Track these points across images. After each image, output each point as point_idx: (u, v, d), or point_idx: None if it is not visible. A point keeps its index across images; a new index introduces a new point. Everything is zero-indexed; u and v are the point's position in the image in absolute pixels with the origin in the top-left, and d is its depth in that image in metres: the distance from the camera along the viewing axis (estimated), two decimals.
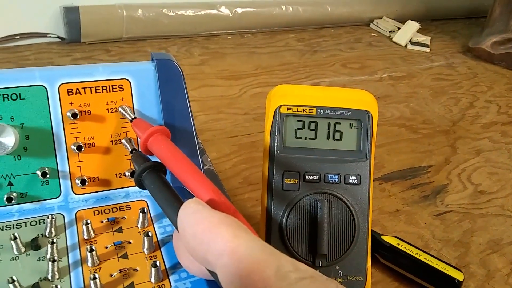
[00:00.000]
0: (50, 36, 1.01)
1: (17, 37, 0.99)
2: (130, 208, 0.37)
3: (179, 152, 0.25)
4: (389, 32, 1.27)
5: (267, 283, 0.22)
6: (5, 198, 0.35)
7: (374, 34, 1.29)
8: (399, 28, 1.28)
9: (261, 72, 0.99)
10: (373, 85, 0.98)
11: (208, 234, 0.24)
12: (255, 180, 0.66)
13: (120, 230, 0.35)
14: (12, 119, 0.35)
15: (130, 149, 0.37)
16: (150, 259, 0.33)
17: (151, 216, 0.36)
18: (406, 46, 1.21)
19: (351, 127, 0.47)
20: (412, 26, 1.23)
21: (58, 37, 1.02)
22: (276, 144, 0.46)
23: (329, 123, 0.47)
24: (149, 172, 0.23)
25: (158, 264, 0.32)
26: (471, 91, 1.03)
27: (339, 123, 0.47)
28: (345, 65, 1.08)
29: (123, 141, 0.38)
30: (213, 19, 1.11)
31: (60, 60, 0.95)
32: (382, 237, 0.55)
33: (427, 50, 1.21)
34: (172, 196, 0.25)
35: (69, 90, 0.36)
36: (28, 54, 0.97)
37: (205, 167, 0.44)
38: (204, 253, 0.24)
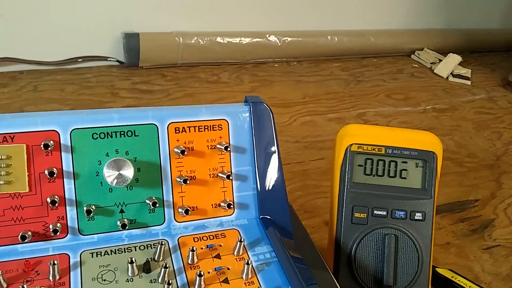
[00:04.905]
0: (110, 60, 1.07)
1: (79, 60, 1.05)
2: (225, 236, 0.41)
3: None
4: (430, 63, 1.30)
5: None
6: (119, 224, 0.39)
7: (416, 65, 1.33)
8: (440, 60, 1.31)
9: (309, 101, 1.03)
10: (417, 116, 1.01)
11: None
12: (310, 207, 0.70)
13: (218, 257, 0.39)
14: (127, 153, 0.40)
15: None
16: (248, 285, 0.37)
17: (244, 245, 0.40)
18: (447, 78, 1.24)
19: (416, 167, 0.50)
20: (454, 59, 1.25)
21: (118, 61, 1.07)
22: (346, 179, 0.49)
23: (396, 162, 0.50)
24: None
25: None
26: None
27: (406, 162, 0.50)
28: (389, 96, 1.11)
29: (220, 174, 0.42)
30: (262, 47, 1.16)
31: (121, 84, 1.00)
32: (436, 269, 0.58)
33: (468, 82, 1.23)
34: None
35: (177, 129, 0.41)
36: (89, 77, 1.03)
37: None
38: None
